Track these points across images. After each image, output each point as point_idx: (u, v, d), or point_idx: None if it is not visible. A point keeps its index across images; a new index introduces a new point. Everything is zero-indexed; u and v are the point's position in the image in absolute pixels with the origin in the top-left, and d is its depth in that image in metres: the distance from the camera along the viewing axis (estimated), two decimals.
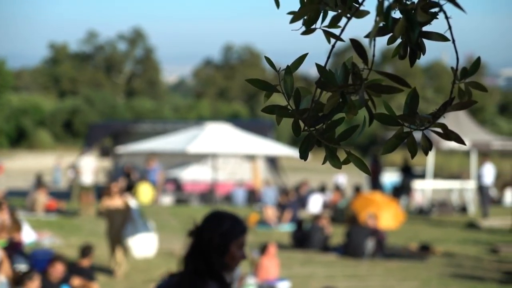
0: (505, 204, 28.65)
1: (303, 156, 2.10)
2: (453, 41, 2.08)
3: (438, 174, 28.86)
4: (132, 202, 15.10)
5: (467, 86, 2.08)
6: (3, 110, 60.90)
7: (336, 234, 18.81)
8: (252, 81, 2.13)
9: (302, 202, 24.87)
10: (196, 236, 3.71)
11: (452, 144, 22.68)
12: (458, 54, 2.07)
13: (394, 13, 2.03)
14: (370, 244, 16.60)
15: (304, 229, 18.36)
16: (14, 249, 12.76)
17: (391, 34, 2.05)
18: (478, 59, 2.09)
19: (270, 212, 21.97)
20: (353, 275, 15.17)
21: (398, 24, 2.00)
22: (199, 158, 28.87)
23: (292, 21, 2.14)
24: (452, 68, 2.08)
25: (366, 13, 2.12)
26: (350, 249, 16.81)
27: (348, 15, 2.12)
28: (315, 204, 25.21)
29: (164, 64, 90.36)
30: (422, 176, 26.83)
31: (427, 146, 2.08)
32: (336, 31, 2.15)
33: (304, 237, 17.92)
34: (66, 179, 32.57)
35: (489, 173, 24.51)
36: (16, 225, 13.79)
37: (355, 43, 2.04)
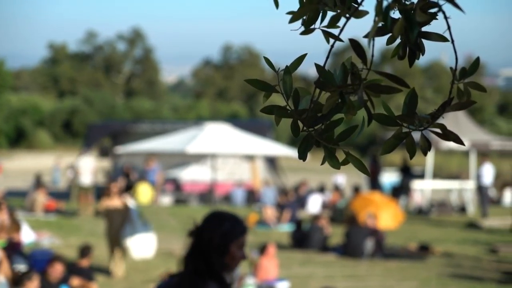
0: (504, 204, 28.65)
1: (302, 156, 2.10)
2: (452, 41, 2.08)
3: (437, 174, 28.84)
4: (131, 202, 15.10)
5: (466, 86, 2.08)
6: (2, 110, 60.91)
7: (335, 234, 18.82)
8: (251, 82, 2.13)
9: (301, 202, 24.86)
10: (196, 236, 3.70)
11: (451, 144, 22.68)
12: (457, 54, 2.07)
13: (393, 13, 2.02)
14: (369, 244, 16.60)
15: (303, 229, 18.35)
16: (13, 249, 12.75)
17: (390, 34, 2.05)
18: (477, 59, 2.08)
19: (269, 212, 21.96)
20: (352, 275, 15.17)
21: (397, 24, 2.00)
22: (198, 158, 28.86)
23: (291, 21, 2.14)
24: (451, 68, 2.08)
25: (365, 13, 2.12)
26: (349, 249, 16.81)
27: (347, 15, 2.11)
28: (314, 204, 25.20)
29: (163, 64, 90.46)
30: (421, 176, 26.84)
31: (426, 146, 2.08)
32: (335, 31, 2.15)
33: (303, 237, 17.92)
34: (65, 179, 32.55)
35: (488, 173, 24.51)
36: (15, 225, 13.78)
37: (354, 43, 2.04)
